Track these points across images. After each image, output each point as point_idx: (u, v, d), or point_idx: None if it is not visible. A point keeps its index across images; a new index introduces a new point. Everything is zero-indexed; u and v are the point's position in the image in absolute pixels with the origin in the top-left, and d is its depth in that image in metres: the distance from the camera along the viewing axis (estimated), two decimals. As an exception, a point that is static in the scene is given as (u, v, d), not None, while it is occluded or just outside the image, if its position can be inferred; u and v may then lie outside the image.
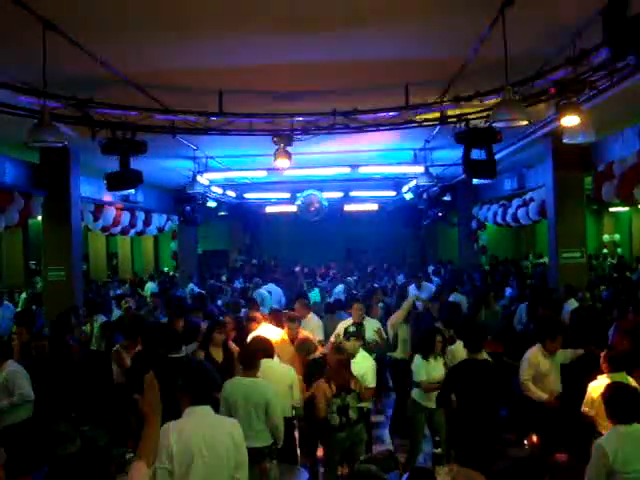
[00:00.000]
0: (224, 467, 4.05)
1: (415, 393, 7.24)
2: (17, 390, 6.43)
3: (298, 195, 18.28)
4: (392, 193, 19.60)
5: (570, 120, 6.57)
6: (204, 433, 4.06)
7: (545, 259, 19.71)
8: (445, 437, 6.99)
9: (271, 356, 6.30)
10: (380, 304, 11.02)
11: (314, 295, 14.29)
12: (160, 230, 18.91)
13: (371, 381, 6.74)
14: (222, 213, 20.77)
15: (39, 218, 11.82)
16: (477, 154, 7.93)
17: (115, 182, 8.13)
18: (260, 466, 5.26)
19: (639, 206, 18.76)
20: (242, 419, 4.85)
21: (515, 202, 15.77)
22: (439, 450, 6.79)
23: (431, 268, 19.21)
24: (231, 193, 18.07)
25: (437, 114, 8.09)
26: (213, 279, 18.25)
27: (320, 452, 6.85)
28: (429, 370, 7.13)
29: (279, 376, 6.17)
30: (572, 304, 9.85)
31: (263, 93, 8.00)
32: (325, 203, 18.17)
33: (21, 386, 6.48)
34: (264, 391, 5.45)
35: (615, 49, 4.44)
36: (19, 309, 13.18)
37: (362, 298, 10.24)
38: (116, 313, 11.60)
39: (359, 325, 8.51)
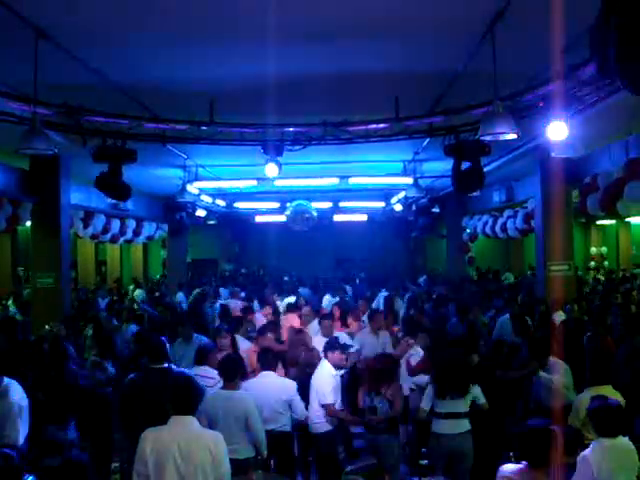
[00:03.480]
0: (200, 479, 4.04)
1: None
2: (10, 432, 5.19)
3: (287, 205, 18.28)
4: (381, 204, 19.65)
5: (558, 134, 6.64)
6: (180, 443, 4.06)
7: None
8: None
9: (272, 368, 6.27)
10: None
11: None
12: (149, 238, 18.80)
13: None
14: (211, 222, 20.67)
15: (28, 224, 11.76)
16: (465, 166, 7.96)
17: (106, 187, 8.06)
18: (245, 477, 5.24)
19: (626, 219, 18.89)
20: (223, 431, 4.84)
21: (507, 212, 15.86)
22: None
23: (423, 278, 19.19)
24: (221, 202, 18.05)
25: (426, 126, 8.15)
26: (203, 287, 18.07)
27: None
28: None
29: (276, 389, 6.12)
30: (560, 316, 9.89)
31: (254, 103, 8.02)
32: (314, 213, 18.18)
33: (15, 433, 5.22)
34: (244, 403, 5.42)
35: (601, 65, 4.49)
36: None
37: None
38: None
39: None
